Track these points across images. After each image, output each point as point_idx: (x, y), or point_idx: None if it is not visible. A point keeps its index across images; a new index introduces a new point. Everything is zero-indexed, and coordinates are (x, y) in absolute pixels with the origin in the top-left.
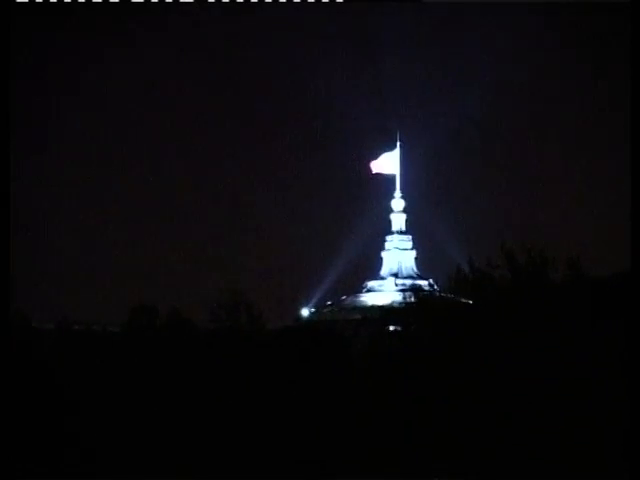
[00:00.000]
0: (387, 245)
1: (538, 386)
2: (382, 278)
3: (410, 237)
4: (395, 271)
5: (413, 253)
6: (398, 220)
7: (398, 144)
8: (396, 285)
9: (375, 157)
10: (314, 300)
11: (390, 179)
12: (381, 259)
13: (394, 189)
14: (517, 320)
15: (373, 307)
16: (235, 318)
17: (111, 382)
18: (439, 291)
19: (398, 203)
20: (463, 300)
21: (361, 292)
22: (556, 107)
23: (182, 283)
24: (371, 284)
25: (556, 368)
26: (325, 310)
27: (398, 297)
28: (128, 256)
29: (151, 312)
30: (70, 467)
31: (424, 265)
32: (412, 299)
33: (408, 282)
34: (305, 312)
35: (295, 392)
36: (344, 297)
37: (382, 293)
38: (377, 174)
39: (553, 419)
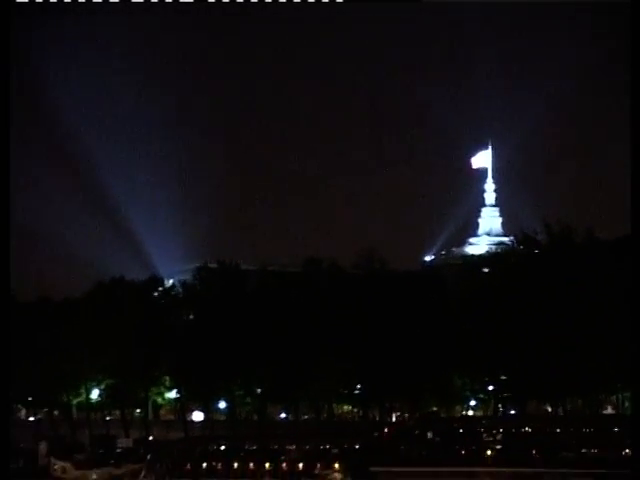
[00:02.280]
0: (482, 214)
1: (569, 313)
2: (479, 236)
3: (498, 209)
4: (488, 231)
5: (500, 219)
6: (490, 197)
7: (490, 146)
8: (488, 241)
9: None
10: (434, 249)
11: (484, 169)
12: (478, 223)
13: (487, 176)
14: (551, 268)
15: (473, 256)
16: (371, 265)
17: (293, 312)
18: (516, 246)
19: (490, 186)
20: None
21: (464, 245)
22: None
23: (339, 238)
24: (472, 240)
25: (580, 302)
26: (440, 257)
27: (489, 249)
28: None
29: (317, 262)
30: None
31: (507, 227)
32: (498, 251)
33: (496, 239)
34: (428, 258)
35: (413, 318)
36: (453, 248)
37: (479, 246)
38: (476, 167)
39: (579, 335)
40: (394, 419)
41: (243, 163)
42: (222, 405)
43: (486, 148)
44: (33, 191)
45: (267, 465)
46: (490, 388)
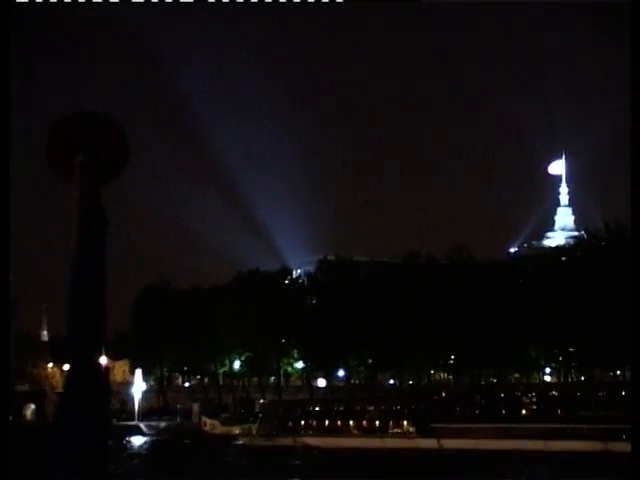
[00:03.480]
0: (558, 212)
1: (625, 296)
2: (555, 231)
3: (571, 208)
4: (562, 227)
5: (572, 217)
6: (564, 199)
7: (564, 155)
8: (563, 235)
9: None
10: (517, 242)
11: (559, 175)
12: (554, 220)
13: (561, 180)
14: (610, 259)
15: (550, 247)
16: (459, 257)
17: (398, 297)
18: (585, 240)
19: (564, 189)
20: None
21: (543, 239)
22: None
23: (436, 232)
24: (549, 234)
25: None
26: (523, 249)
27: (564, 242)
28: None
29: (415, 255)
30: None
31: (579, 224)
32: (571, 244)
33: (570, 234)
34: (512, 250)
35: (498, 301)
36: (533, 242)
37: (555, 239)
38: (552, 173)
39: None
40: (483, 383)
41: (358, 170)
42: (341, 373)
43: (560, 157)
44: (188, 202)
45: (351, 422)
46: (560, 359)
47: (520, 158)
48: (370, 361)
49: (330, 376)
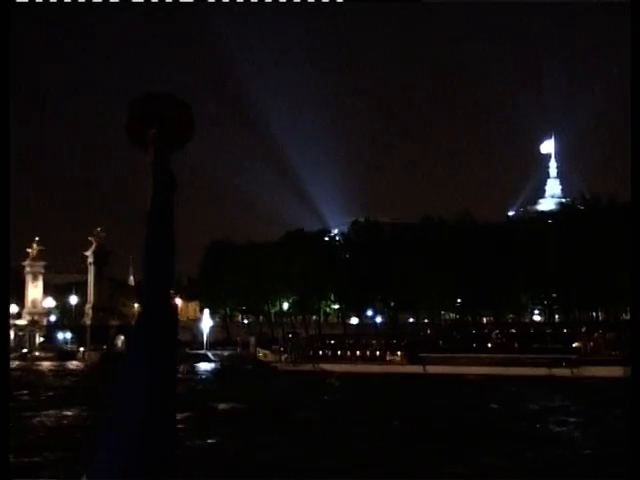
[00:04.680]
0: (548, 183)
1: (598, 255)
2: (545, 198)
3: (559, 179)
4: (552, 195)
5: (560, 186)
6: (553, 171)
7: (553, 136)
8: (552, 202)
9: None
10: (515, 207)
11: (549, 154)
12: (545, 189)
13: (551, 156)
14: (587, 223)
15: (541, 211)
16: (465, 220)
17: (414, 253)
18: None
19: (553, 163)
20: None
21: (535, 204)
22: None
23: (449, 200)
24: (540, 201)
25: (604, 246)
26: (519, 212)
27: (553, 206)
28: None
29: (429, 218)
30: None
31: (564, 192)
32: (558, 209)
33: (557, 200)
34: (510, 213)
35: (497, 255)
36: (528, 206)
37: (544, 205)
38: (543, 152)
39: (601, 269)
40: (485, 321)
41: (384, 148)
42: (369, 313)
43: (550, 137)
44: (249, 174)
45: (358, 352)
46: (545, 302)
47: (517, 137)
48: (392, 303)
49: (361, 315)
